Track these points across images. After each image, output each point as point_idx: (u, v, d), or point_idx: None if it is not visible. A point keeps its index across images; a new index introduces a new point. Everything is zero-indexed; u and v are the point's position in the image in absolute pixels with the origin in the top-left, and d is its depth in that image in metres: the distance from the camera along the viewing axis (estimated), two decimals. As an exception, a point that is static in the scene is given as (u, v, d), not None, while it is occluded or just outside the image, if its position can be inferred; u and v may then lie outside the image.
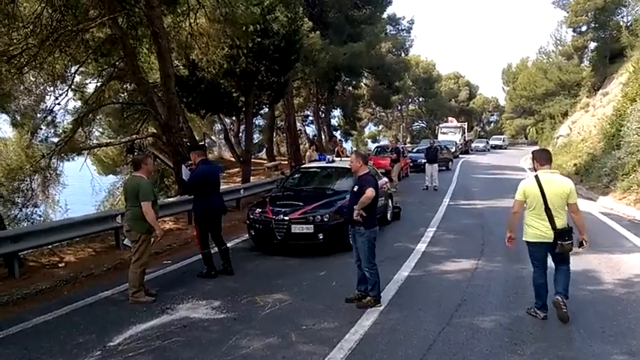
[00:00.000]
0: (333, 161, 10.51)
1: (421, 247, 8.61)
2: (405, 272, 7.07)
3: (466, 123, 46.94)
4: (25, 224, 14.10)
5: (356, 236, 5.78)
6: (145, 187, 6.12)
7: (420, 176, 19.52)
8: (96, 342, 4.94)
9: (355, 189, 5.76)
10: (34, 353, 4.71)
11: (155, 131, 16.55)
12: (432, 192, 16.44)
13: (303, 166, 12.30)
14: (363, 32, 24.37)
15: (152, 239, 6.32)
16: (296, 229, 8.11)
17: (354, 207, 5.57)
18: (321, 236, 8.10)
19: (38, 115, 12.76)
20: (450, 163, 26.29)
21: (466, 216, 11.86)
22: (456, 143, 37.27)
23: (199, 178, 7.08)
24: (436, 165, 17.12)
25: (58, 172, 16.64)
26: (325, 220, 8.13)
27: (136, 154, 21.16)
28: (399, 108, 55.64)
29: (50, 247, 8.14)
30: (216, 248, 7.35)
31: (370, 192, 5.52)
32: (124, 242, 6.35)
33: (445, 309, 5.61)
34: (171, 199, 11.36)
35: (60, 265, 7.68)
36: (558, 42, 39.81)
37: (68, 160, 13.98)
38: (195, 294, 6.35)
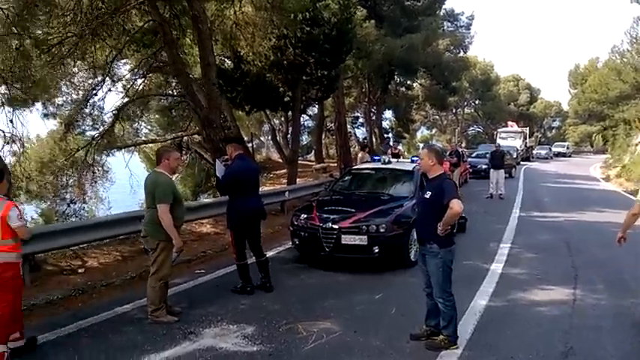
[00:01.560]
0: (389, 162, 9.23)
1: (497, 267, 7.19)
2: (483, 301, 5.72)
3: (527, 128, 44.12)
4: (73, 220, 13.68)
5: (427, 257, 4.48)
6: (163, 186, 5.07)
7: (480, 183, 17.93)
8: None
9: (427, 196, 4.46)
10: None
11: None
12: (498, 200, 14.82)
13: (355, 167, 11.07)
14: (420, 25, 22.85)
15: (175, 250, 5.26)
16: (347, 239, 6.91)
17: (439, 224, 4.26)
18: (376, 249, 6.86)
19: (74, 107, 12.19)
20: (514, 169, 24.31)
21: (544, 230, 10.24)
22: (517, 149, 34.89)
23: (235, 175, 5.98)
24: (502, 171, 15.47)
25: (105, 168, 16.27)
26: (382, 230, 6.88)
27: (184, 152, 20.88)
28: (454, 111, 53.33)
29: (73, 249, 7.31)
30: (254, 258, 6.27)
31: (457, 206, 4.19)
32: (145, 247, 5.39)
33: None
34: (209, 200, 10.44)
35: (79, 270, 6.82)
36: (634, 40, 36.46)
37: (107, 155, 13.39)
38: (225, 315, 5.27)
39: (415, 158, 9.66)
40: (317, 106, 23.56)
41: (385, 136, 33.26)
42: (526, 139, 41.35)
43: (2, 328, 4.11)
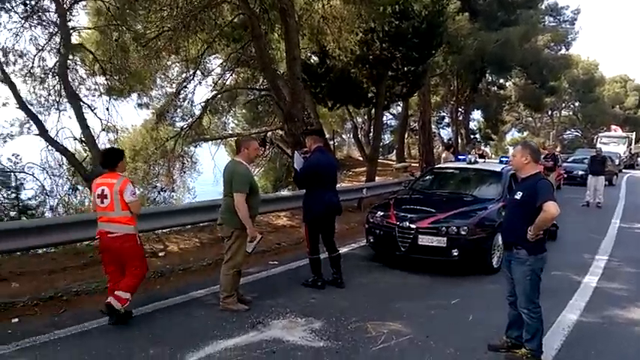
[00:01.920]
0: (475, 162, 8.71)
1: (590, 280, 6.50)
2: (573, 315, 5.17)
3: (633, 133, 40.17)
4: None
5: (513, 263, 4.08)
6: (241, 175, 5.08)
7: (575, 190, 16.51)
8: (167, 357, 4.02)
9: (518, 196, 4.05)
10: (95, 358, 3.93)
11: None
12: (595, 209, 13.55)
13: (437, 166, 10.62)
14: (519, 19, 21.41)
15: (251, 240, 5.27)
16: (424, 240, 6.58)
17: (529, 229, 3.86)
18: (455, 252, 6.47)
19: (166, 99, 12.82)
20: (615, 177, 22.20)
21: (648, 244, 9.17)
22: (620, 156, 31.89)
23: (313, 168, 5.88)
24: (602, 178, 14.11)
25: (193, 159, 17.05)
26: (462, 233, 6.48)
27: (267, 146, 21.37)
28: (550, 113, 49.90)
29: (157, 233, 7.64)
30: (326, 254, 6.16)
31: (553, 209, 3.77)
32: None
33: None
34: (287, 193, 10.50)
35: (160, 254, 7.11)
36: None
37: (195, 146, 13.98)
38: (295, 308, 5.20)
39: (504, 158, 9.06)
40: (401, 103, 23.10)
41: (472, 137, 31.91)
42: (631, 145, 37.67)
43: (138, 282, 4.83)
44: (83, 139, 8.02)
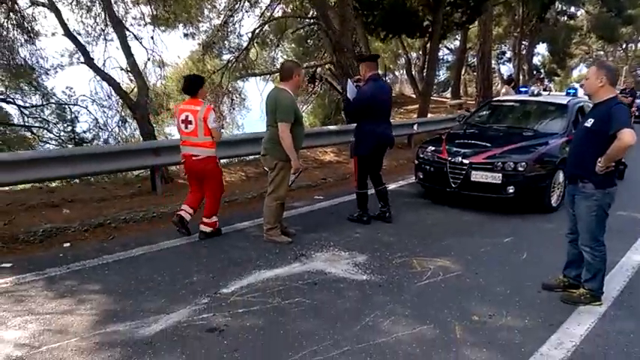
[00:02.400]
0: (538, 94, 8.03)
1: (660, 222, 5.98)
2: (638, 257, 4.77)
3: None
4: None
5: (577, 198, 3.71)
6: (286, 104, 4.84)
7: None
8: (210, 284, 4.02)
9: (589, 124, 3.58)
10: (138, 285, 3.99)
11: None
12: (669, 149, 12.44)
13: (495, 98, 9.94)
14: None
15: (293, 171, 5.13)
16: (477, 176, 6.21)
17: (599, 160, 3.46)
18: (511, 189, 6.08)
19: (212, 29, 12.53)
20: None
21: None
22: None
23: (368, 98, 5.49)
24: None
25: (242, 95, 16.93)
26: (520, 169, 6.05)
27: (316, 82, 20.88)
28: (624, 46, 45.77)
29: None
30: (372, 190, 5.94)
31: (629, 137, 3.31)
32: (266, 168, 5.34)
33: None
34: (334, 127, 10.19)
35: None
36: None
37: (242, 80, 13.75)
38: (338, 242, 5.09)
39: (572, 90, 8.32)
40: (459, 35, 21.75)
41: (535, 72, 29.87)
42: None
43: (218, 203, 5.21)
44: (128, 68, 7.99)
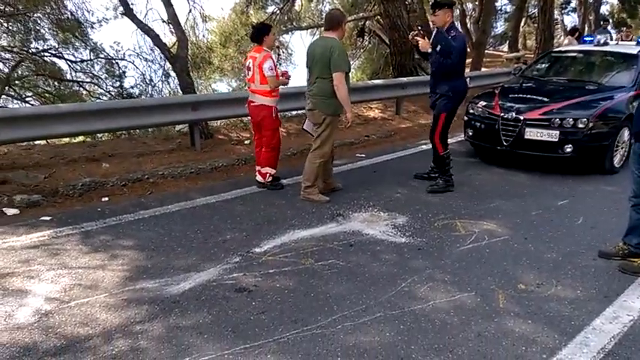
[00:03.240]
0: (605, 44, 7.27)
1: None
2: None
3: None
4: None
5: (646, 158, 3.30)
6: (341, 52, 4.61)
7: None
8: (242, 243, 3.92)
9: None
10: (171, 241, 3.94)
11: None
12: None
13: (556, 49, 9.14)
14: None
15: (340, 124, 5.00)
16: (532, 133, 5.74)
17: None
18: (569, 149, 5.59)
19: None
20: None
21: None
22: None
23: (465, 48, 5.18)
24: None
25: (289, 50, 16.54)
26: (580, 126, 5.54)
27: (365, 36, 20.09)
28: None
29: (244, 120, 7.50)
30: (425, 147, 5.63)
31: None
32: (304, 126, 5.12)
33: None
34: (380, 81, 9.74)
35: (246, 142, 7.01)
36: None
37: (287, 33, 13.34)
38: (378, 202, 4.85)
39: (589, 37, 7.57)
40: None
41: (602, 22, 27.52)
42: None
43: (272, 155, 5.21)
44: (169, 20, 7.84)
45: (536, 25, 22.73)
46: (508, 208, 4.73)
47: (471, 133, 6.55)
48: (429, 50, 5.06)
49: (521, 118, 5.79)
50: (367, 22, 17.97)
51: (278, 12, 12.13)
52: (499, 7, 30.30)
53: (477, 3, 25.54)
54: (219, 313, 2.93)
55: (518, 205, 4.79)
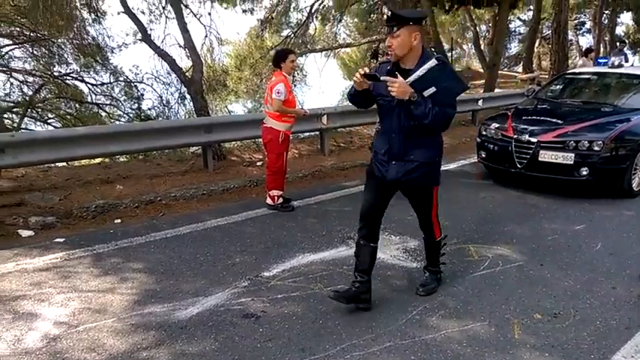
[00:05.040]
0: (620, 66, 7.21)
1: None
2: None
3: None
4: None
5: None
6: None
7: None
8: (251, 267, 3.90)
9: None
10: (180, 264, 3.94)
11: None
12: None
13: (570, 71, 9.09)
14: None
15: None
16: (546, 156, 5.66)
17: None
18: (585, 171, 5.50)
19: (271, 3, 12.33)
20: None
21: None
22: None
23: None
24: None
25: (304, 72, 16.72)
26: (596, 149, 5.45)
27: (379, 58, 20.27)
28: None
29: (257, 142, 7.55)
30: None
31: None
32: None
33: None
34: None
35: (258, 163, 7.04)
36: None
37: (301, 56, 13.49)
38: (389, 225, 4.73)
39: (603, 59, 7.50)
40: (532, 5, 20.25)
41: (618, 44, 27.35)
42: None
43: (274, 178, 5.25)
44: (185, 45, 8.03)
45: (550, 46, 22.71)
46: (523, 232, 4.64)
47: (484, 155, 6.49)
48: (402, 96, 2.86)
49: (536, 140, 5.73)
50: (380, 44, 18.14)
51: (292, 35, 12.31)
52: (513, 29, 30.38)
53: (490, 25, 25.66)
54: (226, 340, 2.89)
55: (533, 230, 4.70)
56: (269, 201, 5.31)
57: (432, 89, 2.89)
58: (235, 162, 7.11)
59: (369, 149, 5.15)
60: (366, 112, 8.62)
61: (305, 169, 6.89)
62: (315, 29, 14.00)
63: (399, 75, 2.89)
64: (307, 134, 8.49)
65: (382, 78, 2.90)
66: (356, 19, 20.47)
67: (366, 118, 7.74)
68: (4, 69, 12.39)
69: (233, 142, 7.70)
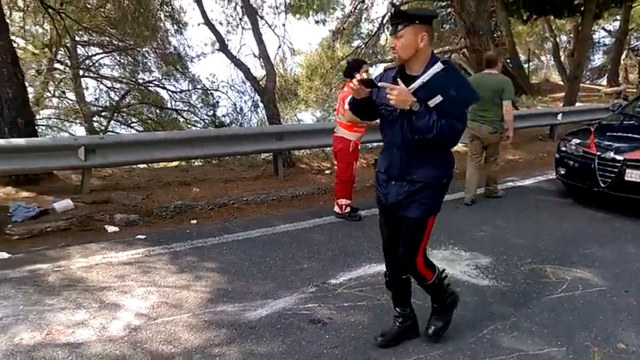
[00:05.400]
0: None
1: None
2: None
3: None
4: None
5: None
6: (511, 86, 5.77)
7: None
8: (319, 273, 3.95)
9: None
10: (251, 266, 4.06)
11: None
12: None
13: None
14: None
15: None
16: (633, 175, 5.30)
17: None
18: (677, 193, 5.10)
19: (343, 15, 12.47)
20: None
21: None
22: None
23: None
24: None
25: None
26: (691, 168, 5.04)
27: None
28: None
29: (326, 150, 7.66)
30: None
31: None
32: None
33: None
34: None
35: (326, 171, 7.12)
36: None
37: (371, 65, 13.52)
38: (460, 240, 4.69)
39: None
40: (619, 15, 19.09)
41: None
42: None
43: (342, 187, 5.34)
44: (260, 55, 8.33)
45: (638, 58, 21.22)
46: (606, 255, 4.37)
47: (563, 172, 6.18)
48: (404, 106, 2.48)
49: (622, 158, 5.38)
50: (452, 54, 17.80)
51: (363, 46, 12.37)
52: (597, 40, 28.74)
53: (571, 35, 24.41)
54: (293, 344, 2.94)
55: (617, 253, 4.41)
56: (337, 209, 5.36)
57: (438, 98, 2.44)
58: (304, 170, 7.25)
59: (372, 167, 5.07)
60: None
61: (373, 179, 6.86)
62: (386, 40, 13.97)
63: (400, 81, 2.50)
64: (376, 144, 8.45)
65: (380, 84, 2.54)
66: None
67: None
68: (96, 75, 13.43)
69: (302, 150, 7.85)
